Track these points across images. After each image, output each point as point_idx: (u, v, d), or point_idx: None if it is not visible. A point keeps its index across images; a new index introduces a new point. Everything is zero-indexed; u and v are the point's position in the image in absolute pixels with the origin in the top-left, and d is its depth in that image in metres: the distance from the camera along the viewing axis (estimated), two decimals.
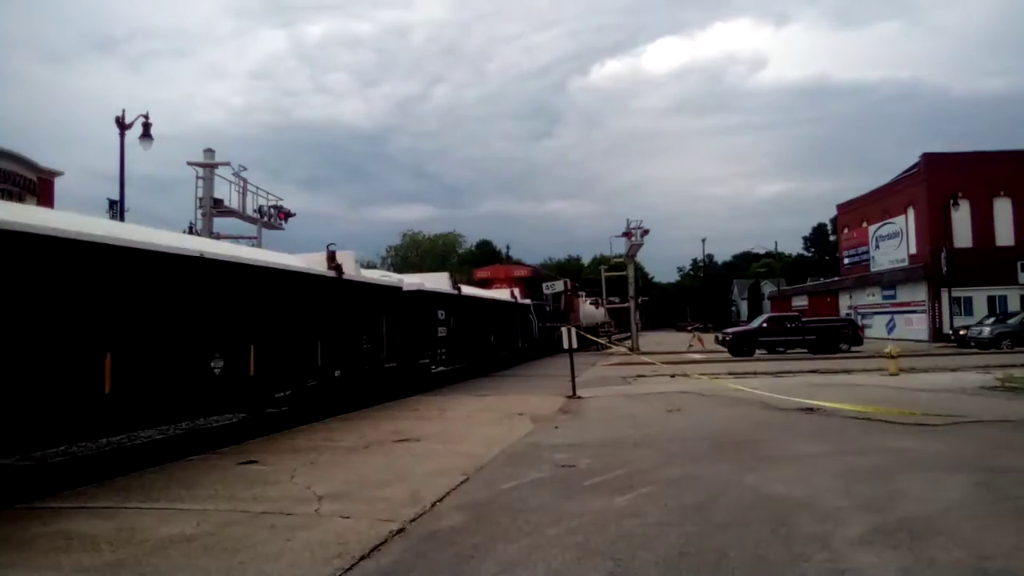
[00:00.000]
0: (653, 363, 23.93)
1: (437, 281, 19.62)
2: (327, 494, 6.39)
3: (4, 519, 5.75)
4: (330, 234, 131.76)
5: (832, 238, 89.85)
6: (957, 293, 40.10)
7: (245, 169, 23.60)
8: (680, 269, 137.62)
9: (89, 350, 7.32)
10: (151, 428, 10.59)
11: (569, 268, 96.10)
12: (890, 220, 47.73)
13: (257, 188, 24.55)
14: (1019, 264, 40.78)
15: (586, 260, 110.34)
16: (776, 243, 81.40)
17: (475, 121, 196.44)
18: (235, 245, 13.40)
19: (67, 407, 7.10)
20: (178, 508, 5.97)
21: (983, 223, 41.98)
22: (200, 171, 22.04)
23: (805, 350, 31.92)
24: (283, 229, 26.00)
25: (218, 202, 22.34)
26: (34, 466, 8.76)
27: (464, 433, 10.21)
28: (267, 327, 10.50)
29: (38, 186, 28.45)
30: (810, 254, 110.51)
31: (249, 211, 23.89)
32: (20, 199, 26.56)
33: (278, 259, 11.98)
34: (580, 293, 49.63)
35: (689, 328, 68.31)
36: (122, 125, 22.85)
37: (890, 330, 46.10)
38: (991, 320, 34.76)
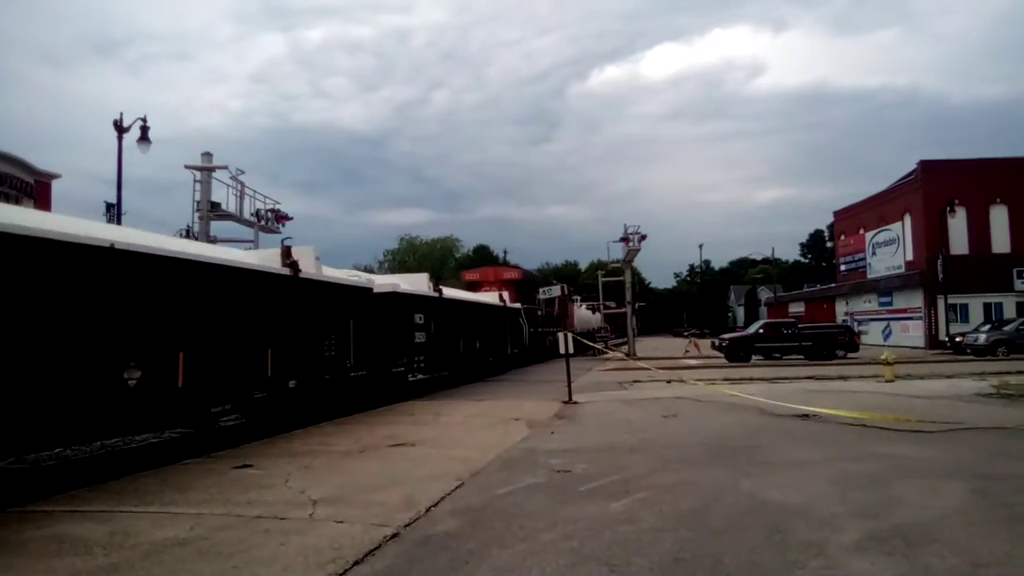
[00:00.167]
0: (649, 368, 23.93)
1: (415, 282, 18.42)
2: (322, 498, 6.37)
3: None
4: (328, 238, 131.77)
5: (829, 245, 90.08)
6: (953, 300, 40.17)
7: (243, 173, 23.62)
8: (677, 275, 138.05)
9: None
10: (37, 452, 9.25)
11: (566, 273, 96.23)
12: (887, 227, 47.84)
13: (255, 192, 24.58)
14: (1015, 271, 40.88)
15: (583, 265, 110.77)
16: (773, 249, 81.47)
17: (474, 126, 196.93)
18: (166, 237, 11.80)
19: None
20: (172, 512, 5.95)
21: (979, 230, 42.10)
22: (198, 174, 22.05)
23: (801, 356, 31.93)
24: (280, 233, 25.97)
25: (215, 205, 22.33)
26: (27, 469, 8.73)
27: (460, 438, 10.20)
28: (203, 332, 9.23)
29: (35, 189, 28.40)
30: (807, 260, 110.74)
31: (246, 215, 23.88)
32: (17, 202, 26.55)
33: (219, 254, 10.85)
34: (575, 298, 49.51)
35: (686, 334, 68.43)
36: (120, 128, 22.85)
37: (886, 337, 46.16)
38: (987, 327, 34.81)
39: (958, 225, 41.83)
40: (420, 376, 17.55)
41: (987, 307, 40.81)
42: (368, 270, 31.35)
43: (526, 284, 34.48)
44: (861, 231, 52.40)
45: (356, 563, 4.59)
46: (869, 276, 50.07)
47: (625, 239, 38.28)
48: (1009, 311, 39.92)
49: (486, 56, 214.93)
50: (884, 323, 47.26)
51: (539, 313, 35.06)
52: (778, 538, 4.99)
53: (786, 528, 5.23)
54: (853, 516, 5.54)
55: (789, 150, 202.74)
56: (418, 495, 6.46)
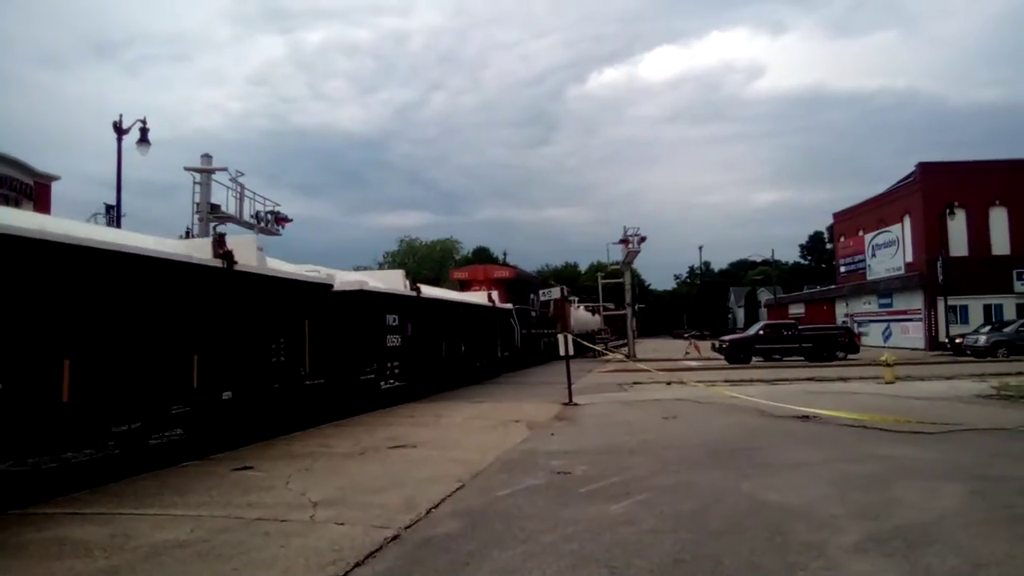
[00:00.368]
0: (649, 370, 23.93)
1: (388, 280, 16.64)
2: (322, 500, 6.37)
3: None
4: (328, 240, 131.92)
5: (829, 246, 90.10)
6: (953, 302, 40.17)
7: (242, 175, 23.56)
8: (677, 277, 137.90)
9: None
10: None
11: (566, 275, 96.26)
12: (886, 229, 47.86)
13: (254, 194, 24.51)
14: (1015, 273, 40.87)
15: (583, 267, 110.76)
16: (773, 251, 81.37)
17: (472, 128, 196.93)
18: (52, 218, 9.65)
19: None
20: (172, 514, 5.96)
21: (979, 232, 42.09)
22: (197, 176, 22.00)
23: (801, 358, 31.93)
24: (280, 235, 25.94)
25: (215, 207, 22.28)
26: (28, 472, 8.71)
27: (459, 440, 10.20)
28: (99, 336, 7.70)
29: (35, 191, 28.42)
30: (807, 262, 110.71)
31: (246, 216, 23.82)
32: (16, 204, 26.58)
33: (125, 239, 8.70)
34: (572, 299, 49.33)
35: (686, 335, 68.49)
36: (119, 130, 22.86)
37: (886, 338, 46.17)
38: (987, 328, 34.80)
39: (957, 227, 41.83)
40: (394, 383, 15.69)
41: (987, 308, 40.81)
42: (367, 269, 31.24)
43: (518, 283, 32.89)
44: (860, 233, 52.41)
45: (357, 565, 4.59)
46: (869, 278, 50.09)
47: (624, 241, 38.28)
48: (1009, 312, 39.90)
49: (484, 59, 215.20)
50: (884, 324, 47.26)
51: (533, 314, 33.76)
52: (778, 539, 4.99)
53: (786, 529, 5.23)
54: (853, 517, 5.54)
55: (788, 152, 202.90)
56: (418, 497, 6.46)
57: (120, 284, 8.05)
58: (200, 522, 5.67)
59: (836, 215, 60.35)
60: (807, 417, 11.53)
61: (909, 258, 44.64)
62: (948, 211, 40.67)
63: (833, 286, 59.51)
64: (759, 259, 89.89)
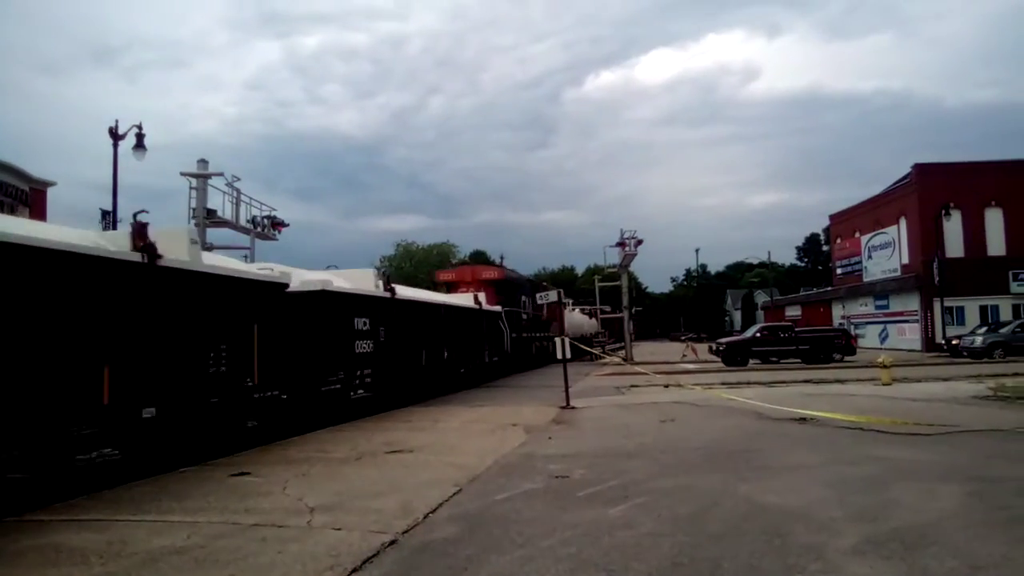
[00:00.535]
0: (647, 373, 23.93)
1: (357, 280, 15.12)
2: (319, 506, 6.36)
3: None
4: (325, 244, 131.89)
5: (825, 248, 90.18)
6: (949, 303, 40.22)
7: (239, 180, 23.55)
8: (674, 279, 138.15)
9: None
10: None
11: (563, 278, 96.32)
12: (882, 230, 47.94)
13: (251, 199, 24.51)
14: (1011, 274, 40.97)
15: (580, 270, 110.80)
16: (769, 253, 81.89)
17: (470, 131, 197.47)
18: None
19: None
20: (169, 520, 5.93)
21: (975, 233, 42.19)
22: (193, 181, 21.98)
23: (798, 360, 31.99)
24: (277, 240, 25.94)
25: (211, 212, 22.27)
26: (24, 479, 8.68)
27: (457, 444, 10.19)
28: None
29: (30, 197, 28.38)
30: (803, 264, 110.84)
31: (243, 222, 23.82)
32: (12, 210, 26.54)
33: (12, 228, 7.07)
34: (567, 301, 49.04)
35: (683, 338, 68.55)
36: (115, 135, 22.83)
37: (883, 340, 46.25)
38: (983, 329, 34.88)
39: (953, 228, 41.92)
40: (364, 393, 14.35)
41: (983, 309, 40.90)
42: None
43: (508, 285, 31.01)
44: (857, 235, 52.50)
45: (354, 570, 4.58)
46: (865, 279, 50.18)
47: (621, 244, 38.36)
48: (1005, 313, 40.00)
49: (481, 62, 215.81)
50: (881, 326, 47.35)
51: (524, 316, 32.40)
52: (777, 542, 4.99)
53: (785, 532, 5.22)
54: (851, 520, 5.54)
55: (784, 154, 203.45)
56: (416, 502, 6.45)
57: (4, 283, 6.76)
58: (197, 528, 5.65)
59: (832, 217, 60.45)
60: (805, 419, 11.54)
61: (905, 259, 44.72)
62: (944, 212, 40.75)
63: (830, 288, 59.63)
64: (756, 261, 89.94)
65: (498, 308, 26.35)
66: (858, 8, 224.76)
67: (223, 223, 22.97)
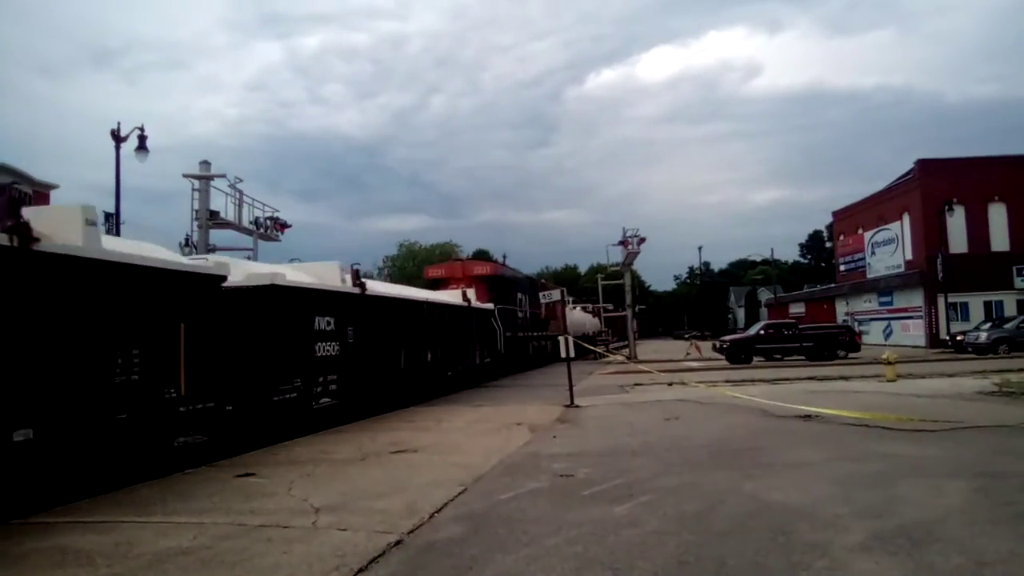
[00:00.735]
0: (650, 371, 23.91)
1: (321, 274, 13.65)
2: (324, 506, 6.36)
3: None
4: (328, 245, 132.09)
5: (828, 245, 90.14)
6: (953, 298, 40.18)
7: (241, 181, 23.62)
8: (677, 277, 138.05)
9: None
10: None
11: (566, 277, 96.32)
12: (885, 226, 47.89)
13: (253, 200, 24.57)
14: (1015, 269, 40.92)
15: (583, 269, 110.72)
16: (772, 250, 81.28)
17: (471, 130, 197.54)
18: None
19: None
20: (175, 522, 5.94)
21: (978, 228, 42.14)
22: (196, 183, 22.05)
23: (802, 357, 31.94)
24: (280, 240, 26.00)
25: (214, 214, 22.33)
26: (29, 480, 8.70)
27: (461, 444, 10.19)
28: None
29: (33, 200, 28.43)
30: (806, 261, 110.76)
31: (245, 223, 23.88)
32: None
33: None
34: (567, 299, 48.54)
35: (686, 336, 68.51)
36: (117, 138, 22.87)
37: (887, 336, 46.19)
38: (988, 325, 34.84)
39: (957, 223, 41.88)
40: (330, 402, 12.67)
41: (987, 305, 40.85)
42: (367, 276, 30.28)
43: (501, 281, 29.21)
44: (860, 231, 52.44)
45: (360, 571, 4.58)
46: (869, 276, 50.11)
47: (624, 242, 38.32)
48: (1010, 309, 39.96)
49: (481, 61, 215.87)
50: (885, 322, 47.29)
51: (520, 315, 30.93)
52: (782, 539, 4.98)
53: (790, 529, 5.22)
54: (857, 516, 5.53)
55: (786, 151, 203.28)
56: (421, 501, 6.45)
57: None
58: (203, 529, 5.66)
59: (835, 213, 60.40)
60: (809, 416, 11.52)
61: (909, 255, 44.67)
62: (947, 208, 40.71)
63: (833, 285, 59.56)
64: (759, 259, 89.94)
65: (490, 306, 25.09)
66: (859, 4, 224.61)
67: (226, 224, 23.03)
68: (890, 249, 47.26)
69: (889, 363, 18.62)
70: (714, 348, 36.49)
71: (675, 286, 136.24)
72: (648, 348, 52.64)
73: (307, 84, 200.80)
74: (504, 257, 51.40)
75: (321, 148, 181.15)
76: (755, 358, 32.27)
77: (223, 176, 22.93)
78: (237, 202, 23.45)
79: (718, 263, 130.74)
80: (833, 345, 32.68)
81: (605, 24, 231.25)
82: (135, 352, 8.16)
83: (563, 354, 15.59)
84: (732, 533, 5.21)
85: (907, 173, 46.48)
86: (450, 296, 21.96)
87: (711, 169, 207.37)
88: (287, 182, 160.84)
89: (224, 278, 10.18)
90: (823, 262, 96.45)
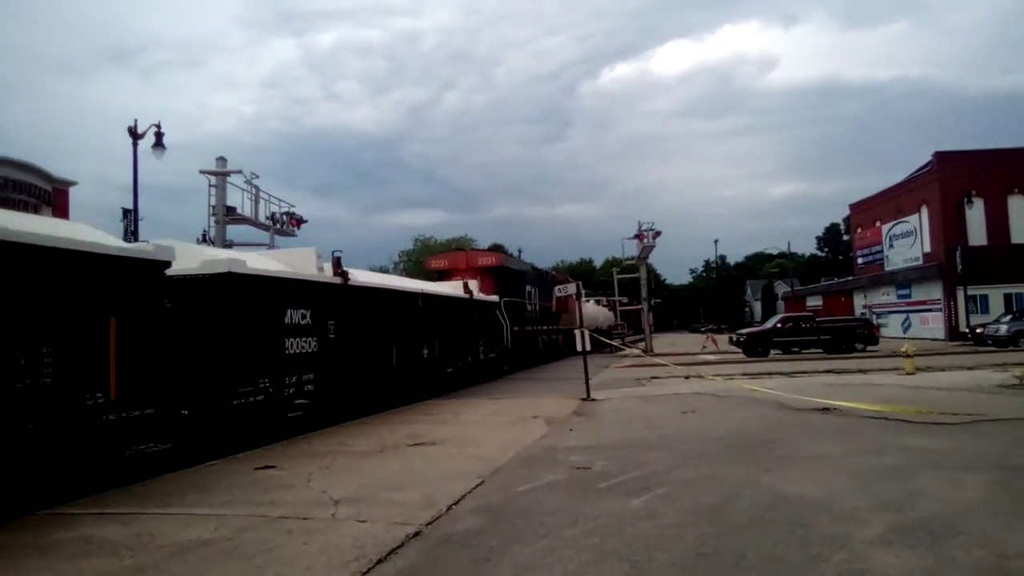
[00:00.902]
0: (667, 365, 23.87)
1: (295, 261, 12.44)
2: (343, 498, 6.41)
3: (27, 525, 5.82)
4: (344, 241, 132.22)
5: (846, 238, 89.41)
6: (973, 291, 39.76)
7: (257, 177, 23.78)
8: (693, 271, 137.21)
9: None
10: None
11: (581, 271, 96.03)
12: (904, 219, 47.45)
13: (269, 195, 24.73)
14: None
15: (598, 263, 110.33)
16: (789, 243, 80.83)
17: (485, 126, 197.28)
18: None
19: None
20: (196, 513, 6.01)
21: (998, 221, 41.64)
22: (212, 179, 22.20)
23: (820, 350, 31.76)
24: (296, 236, 26.14)
25: (231, 210, 22.49)
26: (54, 472, 8.82)
27: (479, 436, 10.22)
28: None
29: (52, 196, 28.71)
30: (823, 254, 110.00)
31: (262, 218, 24.04)
32: (36, 209, 26.87)
33: None
34: (575, 291, 47.68)
35: (703, 329, 68.17)
36: (135, 135, 23.06)
37: (906, 329, 45.81)
38: (1008, 318, 34.45)
39: (976, 216, 41.41)
40: (306, 403, 11.44)
41: (1007, 297, 40.37)
42: (384, 271, 29.79)
43: (508, 273, 27.62)
44: (878, 224, 52.00)
45: (379, 562, 4.61)
46: (887, 268, 49.69)
47: (639, 236, 38.18)
48: None
49: (496, 57, 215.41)
50: (903, 315, 46.90)
51: (529, 308, 29.57)
52: (801, 532, 4.97)
53: (808, 522, 5.20)
54: (876, 509, 5.50)
55: (802, 144, 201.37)
56: (439, 494, 6.48)
57: None
58: (224, 520, 5.72)
59: (853, 206, 59.89)
60: (827, 409, 11.47)
61: (927, 248, 44.26)
62: (966, 200, 40.29)
63: (851, 277, 59.08)
64: (775, 252, 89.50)
65: (495, 298, 23.86)
66: None
67: (242, 220, 23.19)
68: (908, 242, 46.85)
69: (908, 356, 18.50)
70: (731, 341, 36.32)
71: (691, 280, 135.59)
72: (664, 341, 52.50)
73: (322, 81, 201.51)
74: (519, 251, 51.35)
75: (336, 144, 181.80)
76: (772, 351, 32.09)
77: (239, 172, 23.09)
78: (253, 198, 23.60)
79: (734, 256, 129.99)
80: (851, 338, 32.46)
81: (619, 18, 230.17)
82: (45, 351, 6.93)
83: (579, 348, 15.60)
84: (750, 526, 5.21)
85: (925, 165, 46.00)
86: (450, 287, 20.88)
87: (726, 163, 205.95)
88: (303, 178, 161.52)
89: (167, 264, 8.75)
90: (840, 255, 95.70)
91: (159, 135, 23.33)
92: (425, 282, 20.65)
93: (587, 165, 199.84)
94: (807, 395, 13.03)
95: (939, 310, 42.07)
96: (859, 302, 54.14)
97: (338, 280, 12.78)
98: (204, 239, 22.34)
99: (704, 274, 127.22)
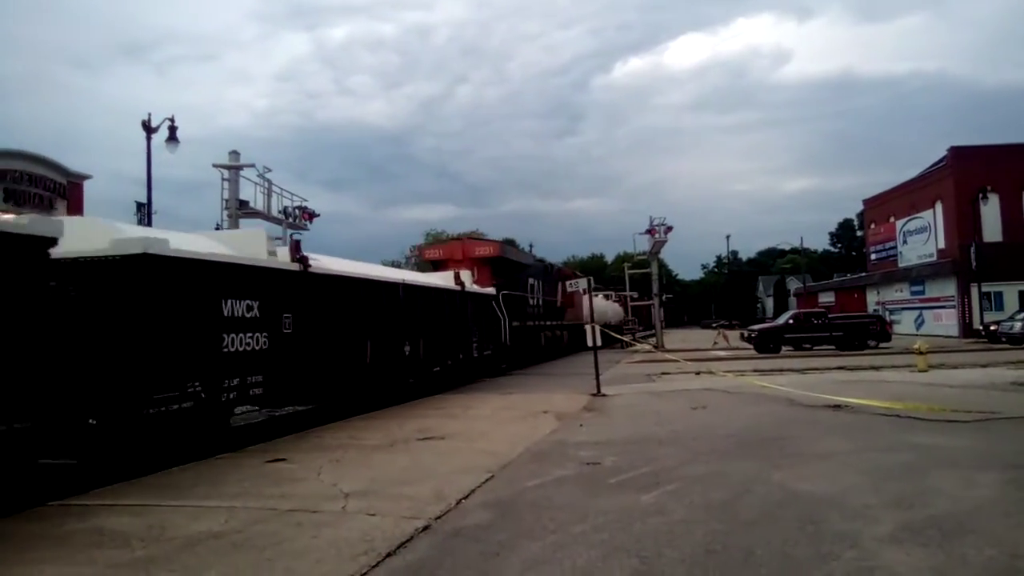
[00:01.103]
0: (678, 360, 23.81)
1: (238, 244, 10.64)
2: (353, 491, 6.43)
3: (40, 515, 5.88)
4: (355, 234, 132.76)
5: (859, 233, 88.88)
6: (987, 288, 39.44)
7: (270, 171, 23.82)
8: (704, 266, 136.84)
9: None
10: None
11: (592, 266, 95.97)
12: (918, 215, 47.14)
13: (282, 189, 24.77)
14: None
15: (610, 258, 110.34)
16: (802, 239, 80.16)
17: (497, 120, 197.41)
18: None
19: None
20: (207, 506, 6.05)
21: (1013, 216, 41.26)
22: (225, 173, 22.27)
23: (832, 347, 31.63)
24: (308, 230, 26.17)
25: (244, 204, 22.55)
26: (67, 464, 8.89)
27: (488, 431, 10.23)
28: None
29: (68, 190, 28.90)
30: (836, 250, 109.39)
31: (275, 212, 24.09)
32: (51, 203, 27.08)
33: None
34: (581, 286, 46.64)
35: (714, 325, 68.00)
36: (148, 129, 23.17)
37: (919, 326, 45.54)
38: (1022, 315, 34.15)
39: (991, 212, 41.04)
40: (254, 410, 10.17)
41: (1022, 294, 40.01)
42: (396, 265, 29.15)
43: (507, 264, 25.80)
44: (891, 219, 51.67)
45: (388, 555, 4.63)
46: (900, 265, 49.39)
47: (651, 231, 38.14)
48: None
49: (508, 50, 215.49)
50: (916, 312, 46.62)
51: (531, 302, 27.84)
52: (811, 529, 4.95)
53: (819, 519, 5.18)
54: (887, 507, 5.47)
55: (816, 138, 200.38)
56: (448, 488, 6.50)
57: None
58: (234, 513, 5.75)
59: (866, 201, 59.52)
60: (839, 406, 11.41)
61: (941, 244, 43.96)
62: (981, 196, 39.93)
63: (864, 274, 58.79)
64: (788, 247, 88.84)
65: (491, 290, 22.24)
66: None
67: (255, 214, 23.25)
68: (922, 238, 46.54)
69: (921, 353, 18.38)
70: (742, 337, 36.24)
71: (703, 275, 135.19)
72: (675, 337, 52.39)
73: (335, 75, 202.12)
74: (531, 246, 51.20)
75: (348, 138, 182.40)
76: (784, 348, 31.99)
77: (252, 166, 23.16)
78: (266, 192, 23.66)
79: (746, 252, 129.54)
80: (864, 335, 32.30)
81: (632, 12, 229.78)
82: None
83: (589, 343, 15.59)
84: (760, 522, 5.19)
85: (940, 160, 45.65)
86: (439, 278, 19.34)
87: (739, 157, 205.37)
88: (315, 172, 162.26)
89: (50, 241, 7.05)
90: (853, 251, 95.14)
91: (172, 129, 23.44)
92: (408, 271, 18.96)
93: (599, 159, 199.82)
94: (818, 392, 12.97)
95: (953, 307, 41.79)
96: (872, 298, 53.86)
97: (296, 267, 11.18)
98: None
99: (716, 269, 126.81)
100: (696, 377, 18.97)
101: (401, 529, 5.19)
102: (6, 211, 7.08)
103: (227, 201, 22.24)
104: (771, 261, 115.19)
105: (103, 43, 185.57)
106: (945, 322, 42.55)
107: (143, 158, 23.28)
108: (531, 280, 28.27)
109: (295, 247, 11.71)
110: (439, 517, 5.53)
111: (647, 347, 35.83)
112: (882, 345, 31.93)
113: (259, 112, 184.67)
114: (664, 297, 47.99)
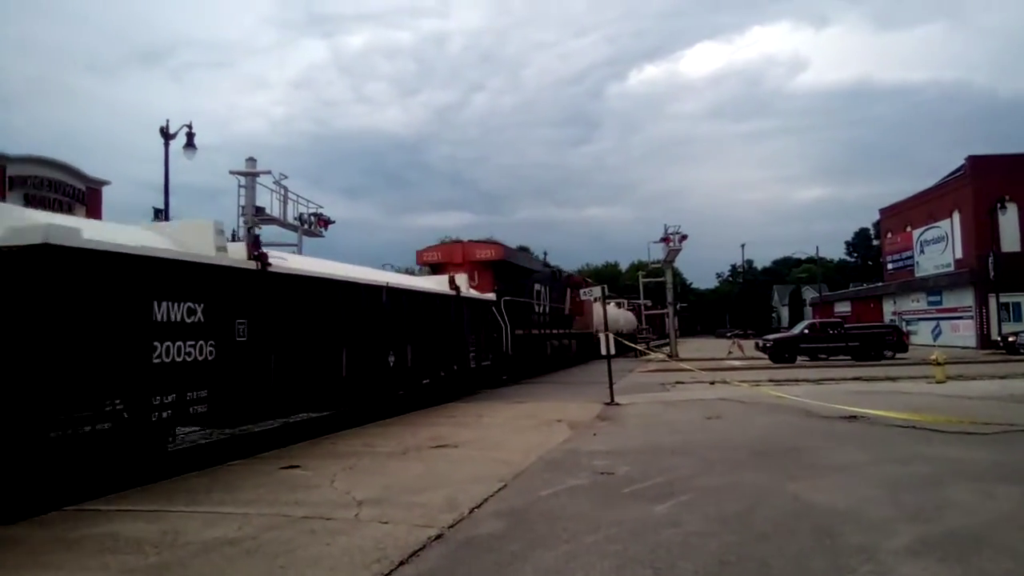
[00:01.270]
0: (692, 370, 23.70)
1: (181, 239, 8.97)
2: (366, 499, 6.44)
3: (54, 520, 5.92)
4: (371, 242, 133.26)
5: (875, 243, 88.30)
6: (1005, 298, 39.07)
7: (286, 177, 23.96)
8: (719, 275, 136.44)
9: None
10: None
11: (607, 274, 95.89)
12: (935, 224, 46.78)
13: (298, 196, 24.91)
14: None
15: (624, 266, 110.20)
16: (817, 248, 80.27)
17: (513, 128, 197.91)
18: None
19: None
20: (221, 512, 6.07)
21: None
22: (242, 180, 22.42)
23: (848, 357, 31.39)
24: (323, 236, 26.31)
25: (260, 210, 22.68)
26: (81, 469, 8.94)
27: (501, 440, 10.21)
28: None
29: (86, 195, 29.18)
30: (852, 259, 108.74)
31: (290, 219, 24.23)
32: (70, 208, 27.34)
33: None
34: (593, 294, 45.65)
35: (728, 335, 67.75)
36: (166, 135, 23.40)
37: (936, 336, 45.13)
38: None
39: (1009, 221, 40.70)
40: (195, 431, 9.34)
41: None
42: (410, 272, 29.07)
43: (510, 269, 24.06)
44: (908, 229, 51.31)
45: (401, 563, 4.62)
46: (917, 275, 49.01)
47: (666, 239, 38.06)
48: None
49: (523, 58, 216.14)
50: (933, 322, 46.22)
51: (537, 309, 26.67)
52: (827, 542, 4.91)
53: (835, 532, 5.14)
54: (904, 520, 5.42)
55: (832, 147, 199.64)
56: (461, 496, 6.49)
57: None
58: (248, 520, 5.77)
59: (883, 211, 59.16)
60: (855, 417, 11.32)
61: (959, 254, 43.59)
62: (999, 205, 39.61)
63: (880, 283, 58.38)
64: (803, 256, 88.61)
65: (491, 296, 20.77)
66: None
67: (271, 220, 23.39)
68: (940, 247, 46.19)
69: (938, 364, 18.20)
70: (757, 347, 36.02)
71: (717, 284, 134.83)
72: (689, 346, 52.22)
73: (352, 83, 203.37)
74: (545, 254, 50.80)
75: (365, 146, 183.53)
76: (799, 358, 31.79)
77: (268, 172, 23.29)
78: (282, 198, 23.80)
79: (761, 261, 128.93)
80: (880, 345, 32.03)
81: (648, 20, 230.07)
82: None
83: (603, 351, 15.56)
84: (775, 534, 5.15)
85: (958, 170, 45.31)
86: (432, 282, 18.02)
87: (755, 166, 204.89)
88: (331, 179, 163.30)
89: None
90: (870, 260, 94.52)
91: (190, 135, 23.68)
92: (392, 273, 17.80)
93: (614, 167, 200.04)
94: (834, 402, 12.87)
95: (970, 317, 41.40)
96: (888, 308, 53.44)
97: (253, 265, 9.69)
98: (233, 239, 22.58)
99: (731, 279, 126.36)
100: (710, 387, 18.88)
101: (414, 537, 5.19)
102: None
103: (243, 208, 22.38)
104: (786, 270, 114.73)
105: (119, 49, 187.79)
106: (962, 333, 42.15)
107: (159, 164, 23.55)
108: (537, 286, 27.14)
109: (253, 244, 10.42)
110: (452, 526, 5.53)
111: (661, 356, 35.69)
112: (899, 356, 31.67)
113: (276, 119, 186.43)
114: (678, 306, 47.78)
